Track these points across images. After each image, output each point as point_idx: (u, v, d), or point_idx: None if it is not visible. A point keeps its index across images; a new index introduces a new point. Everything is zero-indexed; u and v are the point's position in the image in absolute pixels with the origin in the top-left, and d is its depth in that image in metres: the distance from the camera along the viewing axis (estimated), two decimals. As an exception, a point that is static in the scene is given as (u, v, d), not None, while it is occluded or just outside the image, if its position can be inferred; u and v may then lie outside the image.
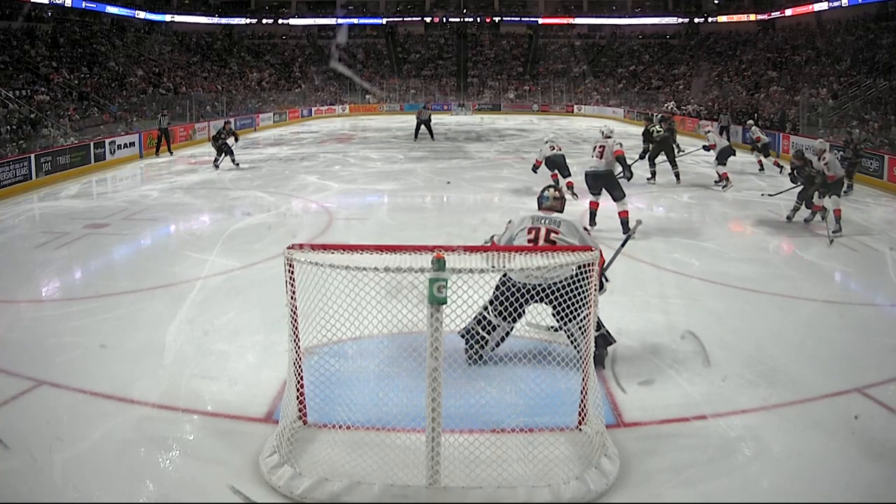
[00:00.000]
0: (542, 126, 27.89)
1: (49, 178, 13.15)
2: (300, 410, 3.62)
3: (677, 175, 12.47)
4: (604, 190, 8.39)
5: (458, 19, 43.62)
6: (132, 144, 17.08)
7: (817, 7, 31.59)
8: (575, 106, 35.90)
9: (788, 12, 33.73)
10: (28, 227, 9.45)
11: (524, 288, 4.10)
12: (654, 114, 16.75)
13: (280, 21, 41.99)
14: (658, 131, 12.45)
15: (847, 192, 11.02)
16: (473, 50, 42.74)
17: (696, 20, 40.18)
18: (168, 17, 36.92)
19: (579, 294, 3.63)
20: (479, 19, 43.86)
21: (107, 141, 16.10)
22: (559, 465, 3.24)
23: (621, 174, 8.57)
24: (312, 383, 3.64)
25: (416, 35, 43.73)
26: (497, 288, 4.26)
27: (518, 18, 43.70)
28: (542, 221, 4.45)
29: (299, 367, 3.55)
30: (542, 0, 43.28)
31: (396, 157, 17.02)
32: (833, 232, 8.08)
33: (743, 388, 4.18)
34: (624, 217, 8.16)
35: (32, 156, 12.99)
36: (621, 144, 8.48)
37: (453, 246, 4.39)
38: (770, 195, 10.92)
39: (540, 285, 4.09)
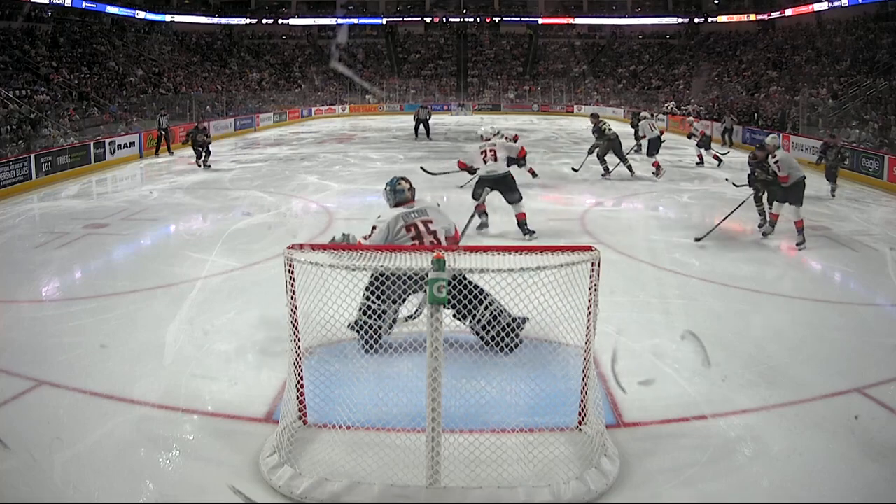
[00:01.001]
0: (542, 126, 27.89)
1: (49, 178, 13.14)
2: (300, 410, 3.62)
3: (630, 168, 12.67)
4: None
5: (458, 19, 43.63)
6: (132, 144, 17.07)
7: (817, 7, 31.59)
8: (575, 106, 35.87)
9: (788, 12, 33.74)
10: (28, 227, 9.44)
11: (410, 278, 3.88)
12: (639, 111, 16.70)
13: (280, 21, 42.00)
14: (610, 129, 12.54)
15: (832, 190, 11.02)
16: (473, 50, 42.74)
17: (696, 20, 40.22)
18: (168, 17, 36.91)
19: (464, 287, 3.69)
20: (479, 19, 43.87)
21: (107, 141, 16.09)
22: (559, 465, 3.23)
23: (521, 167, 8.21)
24: (312, 383, 3.64)
25: (416, 35, 43.73)
26: (376, 278, 4.00)
27: (518, 18, 43.71)
28: (412, 216, 4.57)
29: (299, 367, 3.54)
30: (542, 0, 43.29)
31: (396, 157, 17.01)
32: (797, 244, 7.62)
33: (743, 388, 4.18)
34: (522, 219, 7.96)
35: (32, 156, 12.98)
36: (516, 139, 8.18)
37: (453, 246, 4.40)
38: (735, 185, 11.12)
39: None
